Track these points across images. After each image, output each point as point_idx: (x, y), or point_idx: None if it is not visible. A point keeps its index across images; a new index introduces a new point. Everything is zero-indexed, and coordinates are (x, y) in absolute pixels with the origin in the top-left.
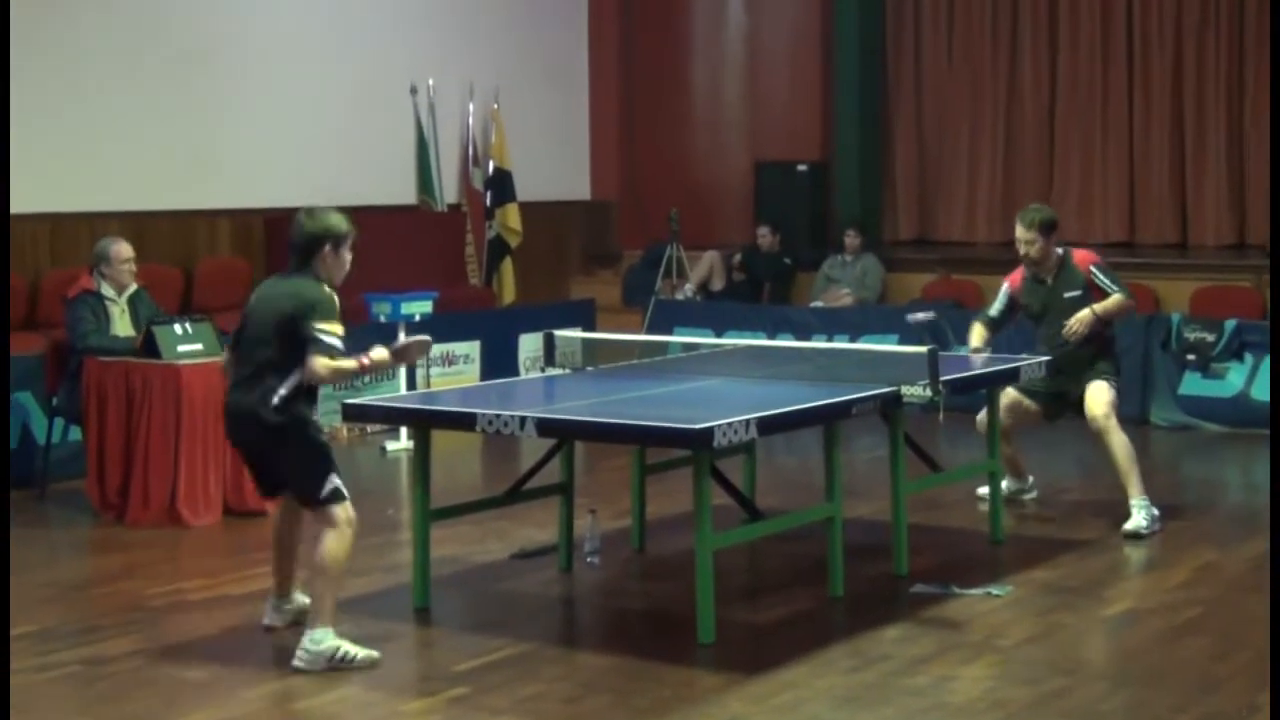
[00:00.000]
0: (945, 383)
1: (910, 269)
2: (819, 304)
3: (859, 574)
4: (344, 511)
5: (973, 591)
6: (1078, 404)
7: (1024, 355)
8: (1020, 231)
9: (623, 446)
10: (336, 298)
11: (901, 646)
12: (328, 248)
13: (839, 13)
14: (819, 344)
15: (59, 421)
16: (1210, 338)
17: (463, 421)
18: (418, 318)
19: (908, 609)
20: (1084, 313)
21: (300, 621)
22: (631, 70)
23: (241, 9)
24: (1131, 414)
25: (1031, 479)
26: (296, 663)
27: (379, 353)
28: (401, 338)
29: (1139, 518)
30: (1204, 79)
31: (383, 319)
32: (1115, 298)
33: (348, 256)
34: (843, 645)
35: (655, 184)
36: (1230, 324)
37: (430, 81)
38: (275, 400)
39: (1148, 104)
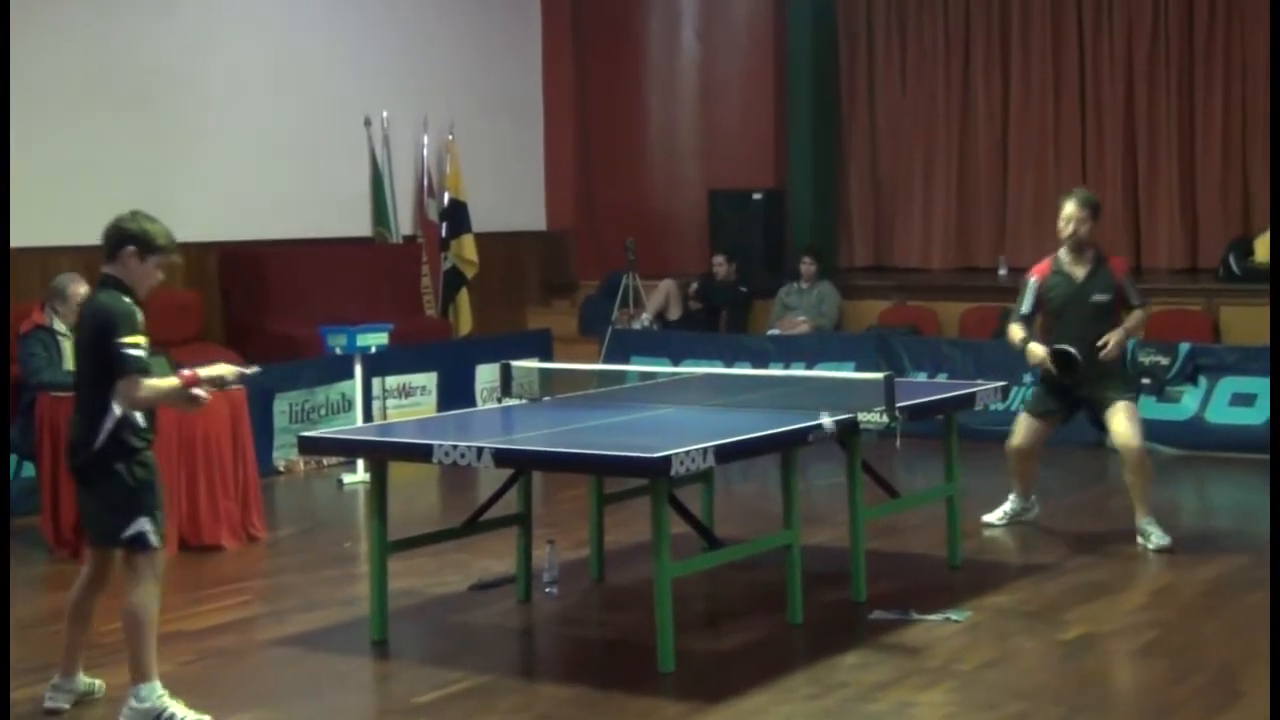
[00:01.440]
0: (902, 409)
1: (866, 295)
2: (775, 331)
3: (818, 601)
4: (149, 565)
5: (931, 617)
6: (1092, 412)
7: (978, 381)
8: (1071, 209)
9: (580, 476)
10: (139, 311)
11: (861, 673)
12: (130, 249)
13: (792, 41)
14: (776, 371)
15: (12, 458)
16: (1164, 361)
17: (419, 453)
18: (373, 349)
19: (867, 635)
20: (1119, 334)
21: (84, 702)
22: (586, 101)
23: (196, 42)
24: (1087, 438)
25: (1034, 497)
26: None
27: (214, 369)
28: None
29: (1163, 533)
30: (1155, 107)
31: (338, 351)
32: (1139, 315)
33: (155, 271)
34: (802, 672)
35: (611, 214)
36: (1184, 347)
37: (384, 114)
38: (101, 433)
39: (1100, 131)
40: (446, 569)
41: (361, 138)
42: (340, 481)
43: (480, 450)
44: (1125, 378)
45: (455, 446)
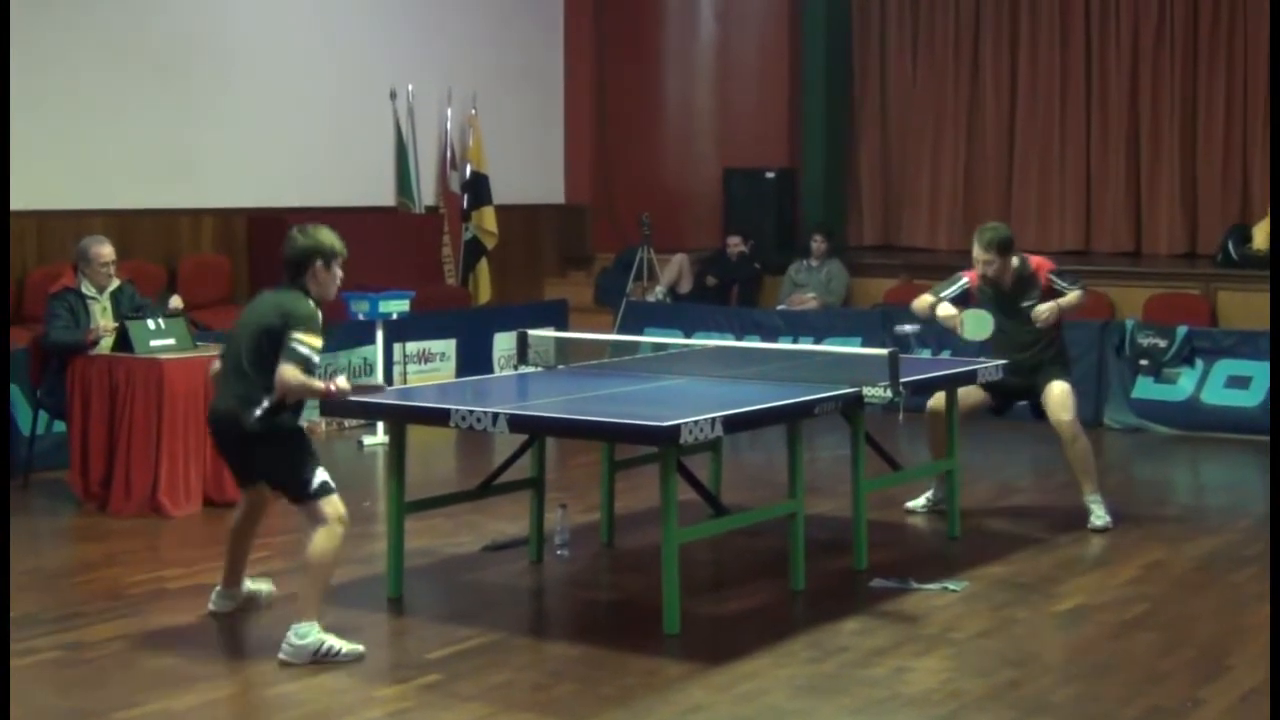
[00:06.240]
0: (905, 384)
1: (874, 274)
2: (784, 307)
3: (820, 568)
4: (332, 507)
5: (929, 586)
6: (1032, 401)
7: (981, 359)
8: (977, 251)
9: (593, 443)
10: (320, 314)
11: (860, 638)
12: (319, 263)
13: (807, 23)
14: (784, 345)
15: (44, 413)
16: (1162, 343)
17: (438, 417)
18: (395, 316)
19: (866, 602)
20: (1052, 306)
21: (247, 608)
22: (605, 78)
23: (226, 11)
24: (1086, 416)
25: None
26: (282, 656)
27: (343, 383)
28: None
29: (1104, 513)
30: (1159, 95)
31: (361, 317)
32: (1076, 294)
33: (338, 273)
34: (803, 637)
35: (628, 189)
36: (1181, 330)
37: (410, 86)
38: (258, 411)
39: (1105, 117)
40: (461, 530)
41: (387, 109)
42: (361, 443)
43: (496, 416)
44: (1063, 363)
45: (472, 411)
